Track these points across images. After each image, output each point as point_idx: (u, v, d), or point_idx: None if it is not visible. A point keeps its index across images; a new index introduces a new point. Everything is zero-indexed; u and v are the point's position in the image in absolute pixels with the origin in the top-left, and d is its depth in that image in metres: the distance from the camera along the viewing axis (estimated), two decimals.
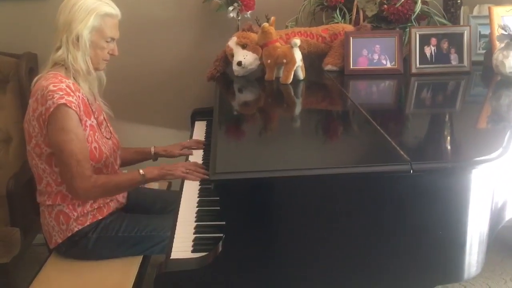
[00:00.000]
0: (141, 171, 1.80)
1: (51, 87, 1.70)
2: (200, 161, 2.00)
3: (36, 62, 2.58)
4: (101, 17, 1.78)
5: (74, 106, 1.71)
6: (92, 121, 1.82)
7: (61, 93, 1.69)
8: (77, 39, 1.76)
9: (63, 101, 1.68)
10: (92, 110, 1.85)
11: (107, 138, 1.91)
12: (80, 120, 1.75)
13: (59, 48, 1.78)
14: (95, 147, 1.81)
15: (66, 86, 1.73)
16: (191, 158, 2.05)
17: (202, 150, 2.11)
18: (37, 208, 1.91)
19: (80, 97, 1.77)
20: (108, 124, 1.98)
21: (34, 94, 1.74)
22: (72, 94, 1.73)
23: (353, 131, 1.71)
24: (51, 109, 1.68)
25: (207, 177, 1.76)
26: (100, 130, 1.88)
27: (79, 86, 1.79)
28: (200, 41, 2.70)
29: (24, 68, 2.46)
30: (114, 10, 1.83)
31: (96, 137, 1.82)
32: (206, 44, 2.68)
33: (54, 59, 1.79)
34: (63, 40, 1.76)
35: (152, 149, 2.14)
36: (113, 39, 1.85)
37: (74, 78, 1.79)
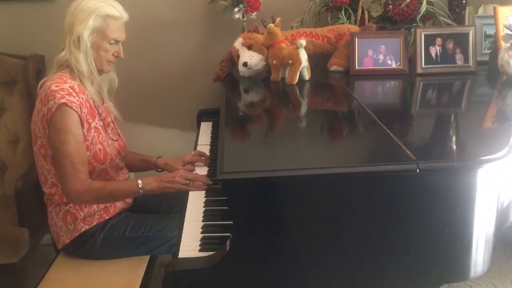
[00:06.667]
0: (139, 182, 1.76)
1: (53, 87, 1.71)
2: (207, 162, 2.01)
3: (43, 64, 2.59)
4: (103, 18, 1.77)
5: (75, 107, 1.71)
6: (97, 123, 1.83)
7: (62, 93, 1.70)
8: (78, 40, 1.76)
9: (63, 100, 1.69)
10: (98, 112, 1.86)
11: (113, 140, 1.92)
12: (82, 121, 1.75)
13: (63, 49, 1.79)
14: (99, 149, 1.81)
15: (69, 86, 1.73)
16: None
17: (208, 149, 2.10)
18: (45, 209, 1.92)
19: (84, 99, 1.78)
20: (116, 126, 1.98)
21: (40, 95, 1.76)
22: (74, 94, 1.73)
23: (359, 131, 1.72)
24: (53, 109, 1.69)
25: (207, 186, 1.73)
26: (107, 131, 1.89)
27: (84, 87, 1.80)
28: (206, 42, 2.71)
29: (32, 69, 2.48)
30: (118, 12, 1.80)
31: (100, 138, 1.83)
32: (212, 45, 2.68)
33: (58, 60, 1.80)
34: (66, 41, 1.77)
35: (156, 160, 2.11)
36: (117, 41, 1.83)
37: (79, 79, 1.79)
